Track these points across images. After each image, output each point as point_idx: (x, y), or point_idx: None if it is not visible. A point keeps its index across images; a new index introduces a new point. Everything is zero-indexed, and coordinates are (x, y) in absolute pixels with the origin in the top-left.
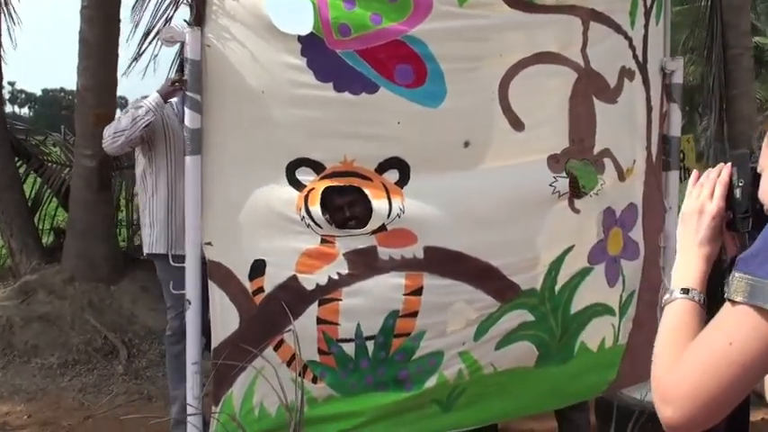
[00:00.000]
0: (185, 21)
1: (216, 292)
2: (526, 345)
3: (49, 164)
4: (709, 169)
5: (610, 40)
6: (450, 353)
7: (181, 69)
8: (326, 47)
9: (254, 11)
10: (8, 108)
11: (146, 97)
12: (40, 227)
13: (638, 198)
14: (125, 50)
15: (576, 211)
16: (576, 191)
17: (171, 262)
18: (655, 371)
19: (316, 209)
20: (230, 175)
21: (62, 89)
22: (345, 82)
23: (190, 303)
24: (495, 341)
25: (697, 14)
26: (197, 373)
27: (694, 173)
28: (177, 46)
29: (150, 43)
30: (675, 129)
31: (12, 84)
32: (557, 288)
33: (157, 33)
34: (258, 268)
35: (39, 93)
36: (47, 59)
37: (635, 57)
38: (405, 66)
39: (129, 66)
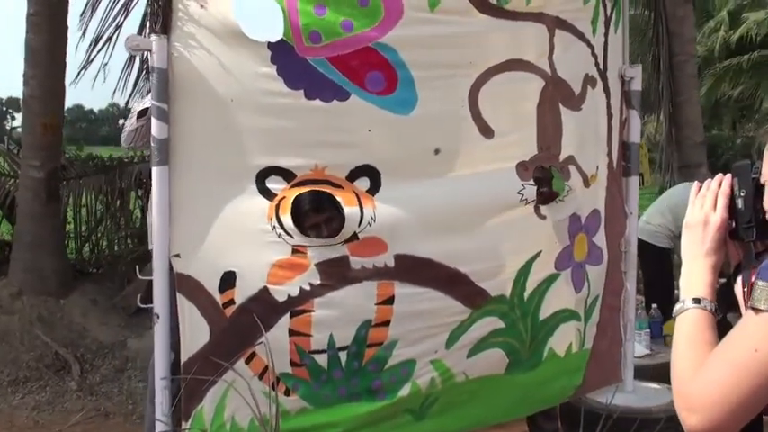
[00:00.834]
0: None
1: (185, 305)
2: (497, 352)
3: None
4: (709, 180)
5: (574, 48)
6: (423, 361)
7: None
8: (297, 54)
9: (221, 18)
10: None
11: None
12: None
13: (600, 204)
14: (73, 59)
15: (543, 217)
16: (553, 195)
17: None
18: (675, 380)
19: (287, 218)
20: (199, 185)
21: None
22: (316, 89)
23: (158, 317)
24: (467, 349)
25: (639, 23)
26: (166, 389)
27: (695, 184)
28: (127, 54)
29: (100, 51)
30: (635, 135)
31: None
32: (526, 294)
33: (107, 41)
34: (228, 280)
35: None
36: None
37: (597, 64)
38: (376, 73)
39: (78, 74)
